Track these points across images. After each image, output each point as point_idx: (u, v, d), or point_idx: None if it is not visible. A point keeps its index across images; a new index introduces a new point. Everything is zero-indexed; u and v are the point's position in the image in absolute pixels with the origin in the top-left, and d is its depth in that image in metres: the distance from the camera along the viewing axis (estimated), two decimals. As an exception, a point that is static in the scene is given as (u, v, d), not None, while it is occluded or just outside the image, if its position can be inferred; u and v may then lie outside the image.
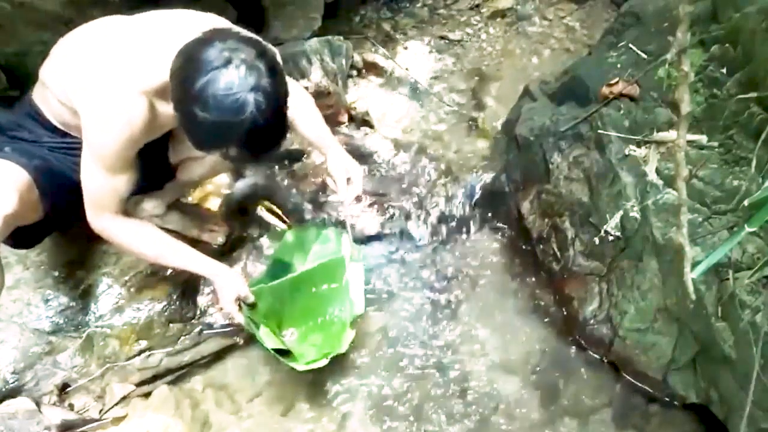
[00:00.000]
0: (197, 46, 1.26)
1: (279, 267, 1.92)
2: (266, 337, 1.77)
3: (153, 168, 1.66)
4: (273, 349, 1.74)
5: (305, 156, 2.44)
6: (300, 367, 1.75)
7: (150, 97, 1.41)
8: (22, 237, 1.56)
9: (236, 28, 1.36)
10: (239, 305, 1.70)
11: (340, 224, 2.15)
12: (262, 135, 1.28)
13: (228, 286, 1.68)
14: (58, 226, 1.71)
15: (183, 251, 1.67)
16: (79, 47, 1.48)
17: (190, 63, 1.25)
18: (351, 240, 1.95)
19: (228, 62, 1.22)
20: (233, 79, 1.22)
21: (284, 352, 1.78)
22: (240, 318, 1.71)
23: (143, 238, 1.61)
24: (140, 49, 1.41)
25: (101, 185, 1.49)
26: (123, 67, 1.39)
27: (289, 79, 1.69)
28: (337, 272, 1.92)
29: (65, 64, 1.48)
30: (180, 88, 1.27)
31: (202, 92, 1.22)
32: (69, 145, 1.58)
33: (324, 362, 1.75)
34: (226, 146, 1.30)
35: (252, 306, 1.74)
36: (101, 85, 1.39)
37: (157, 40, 1.41)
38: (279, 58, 1.34)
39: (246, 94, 1.22)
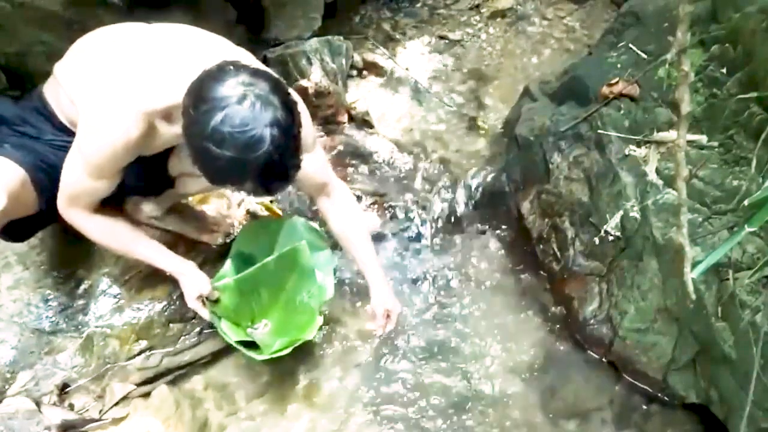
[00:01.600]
0: (210, 82, 1.23)
1: (243, 259, 1.89)
2: (228, 330, 1.78)
3: (152, 176, 1.66)
4: (237, 342, 1.75)
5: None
6: (262, 357, 1.75)
7: (152, 119, 1.39)
8: (15, 230, 1.56)
9: (247, 60, 1.34)
10: (203, 301, 1.72)
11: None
12: (277, 169, 1.26)
13: (191, 284, 1.70)
14: (54, 220, 1.71)
15: (150, 247, 1.67)
16: (95, 51, 1.47)
17: (203, 100, 1.21)
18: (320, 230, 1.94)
19: (243, 98, 1.20)
20: (249, 115, 1.19)
21: (249, 344, 1.79)
22: (204, 313, 1.73)
23: (110, 231, 1.60)
24: (152, 67, 1.40)
25: (80, 183, 1.48)
26: (131, 84, 1.38)
27: (342, 185, 1.75)
28: (300, 260, 1.90)
29: (79, 64, 1.48)
30: (194, 125, 1.23)
31: (217, 129, 1.19)
32: (72, 143, 1.57)
33: (287, 351, 1.75)
34: (241, 182, 1.28)
35: (216, 302, 1.76)
36: (106, 96, 1.38)
37: (171, 61, 1.39)
38: (291, 90, 1.31)
39: (262, 130, 1.20)
